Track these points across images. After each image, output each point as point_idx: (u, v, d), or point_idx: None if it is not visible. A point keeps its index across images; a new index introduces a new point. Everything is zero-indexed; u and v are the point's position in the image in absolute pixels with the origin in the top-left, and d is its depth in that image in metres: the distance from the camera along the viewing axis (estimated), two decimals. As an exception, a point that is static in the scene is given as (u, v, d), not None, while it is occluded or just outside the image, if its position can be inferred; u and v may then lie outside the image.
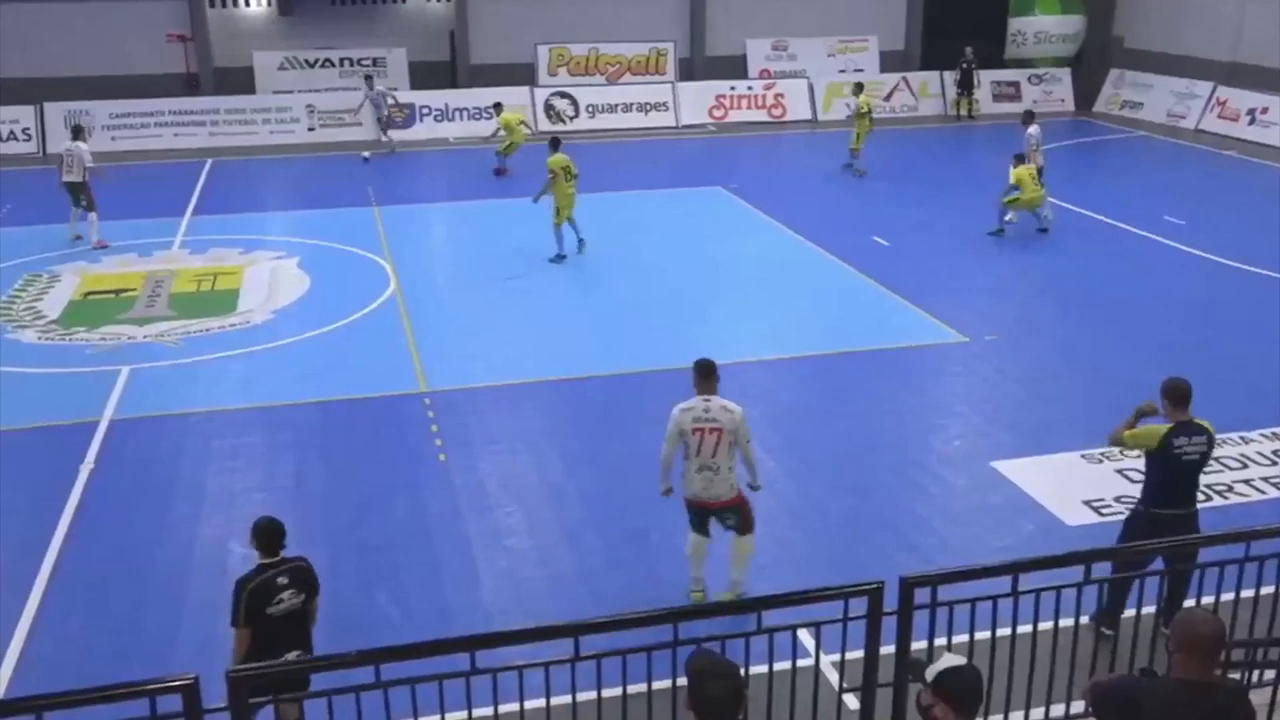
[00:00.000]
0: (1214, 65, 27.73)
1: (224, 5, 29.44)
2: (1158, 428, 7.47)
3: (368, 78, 26.64)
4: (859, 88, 24.11)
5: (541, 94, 28.25)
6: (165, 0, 27.97)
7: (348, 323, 14.56)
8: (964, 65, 29.46)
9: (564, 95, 28.36)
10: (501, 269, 16.80)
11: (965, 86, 29.63)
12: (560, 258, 17.00)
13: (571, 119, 28.20)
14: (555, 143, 17.53)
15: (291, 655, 6.15)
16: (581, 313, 15.13)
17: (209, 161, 24.56)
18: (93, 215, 17.84)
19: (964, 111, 29.54)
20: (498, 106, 23.72)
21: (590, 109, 28.38)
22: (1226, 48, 27.54)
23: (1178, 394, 7.46)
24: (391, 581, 8.75)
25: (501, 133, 23.05)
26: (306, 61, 28.59)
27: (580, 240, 17.27)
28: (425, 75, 29.12)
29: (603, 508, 9.96)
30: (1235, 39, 27.36)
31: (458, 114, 27.59)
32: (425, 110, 27.48)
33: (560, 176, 16.76)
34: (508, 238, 18.43)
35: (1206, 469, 7.70)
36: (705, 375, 8.27)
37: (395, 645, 4.87)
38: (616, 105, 28.59)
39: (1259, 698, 4.71)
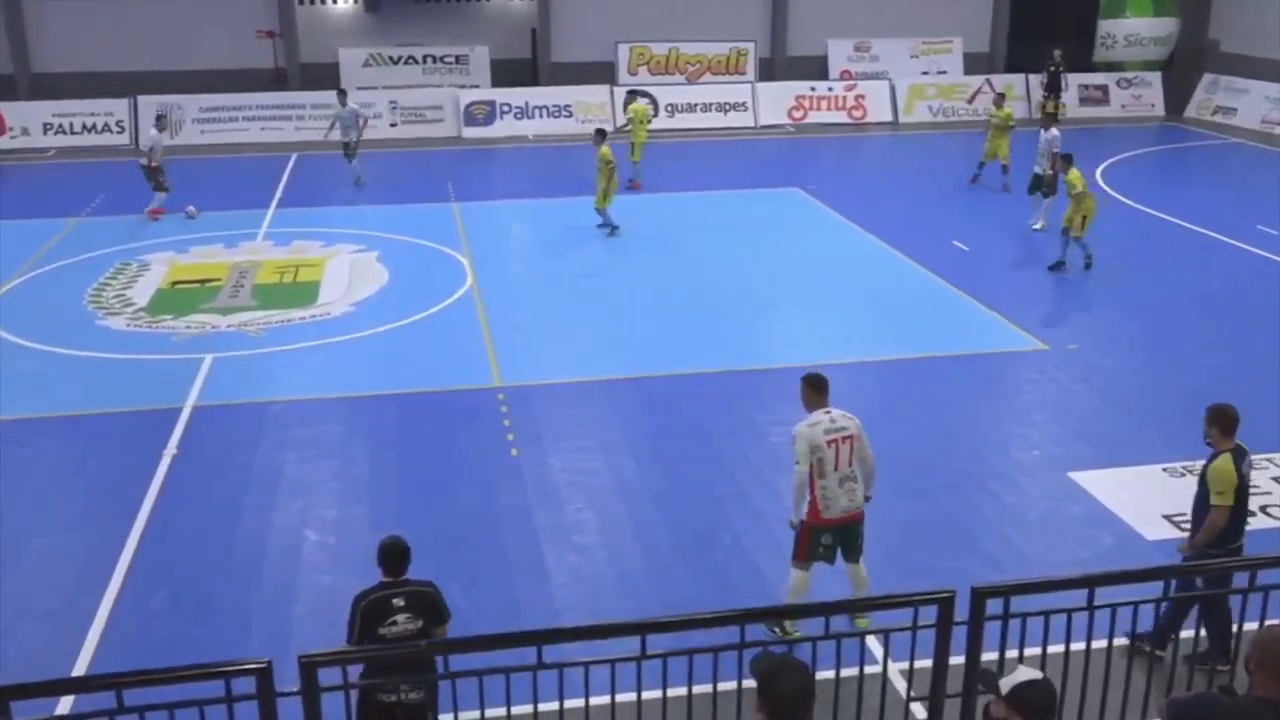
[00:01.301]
0: (1313, 70, 26.89)
1: (312, 2, 30.02)
2: (1226, 465, 7.14)
3: (340, 92, 23.50)
4: (1001, 98, 23.24)
5: (621, 93, 28.31)
6: (256, -3, 28.62)
7: (425, 316, 14.75)
8: (1051, 68, 28.90)
9: (644, 94, 28.39)
10: (577, 266, 16.90)
11: (1052, 89, 29.05)
12: (614, 229, 18.26)
13: (651, 118, 28.20)
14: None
15: (405, 685, 5.70)
16: (654, 312, 15.14)
17: (294, 156, 25.05)
18: (159, 195, 19.59)
19: (1050, 114, 28.95)
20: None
21: (670, 108, 28.40)
22: (1327, 52, 26.68)
23: (1226, 420, 7.23)
24: (462, 574, 8.83)
25: (629, 125, 22.59)
26: (390, 58, 29.02)
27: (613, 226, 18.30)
28: (506, 73, 29.39)
29: (672, 507, 9.96)
30: (1336, 43, 26.48)
31: (537, 111, 27.79)
32: (505, 108, 27.72)
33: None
34: (583, 236, 18.53)
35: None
36: (820, 389, 8.10)
37: (463, 637, 4.93)
38: (696, 105, 28.57)
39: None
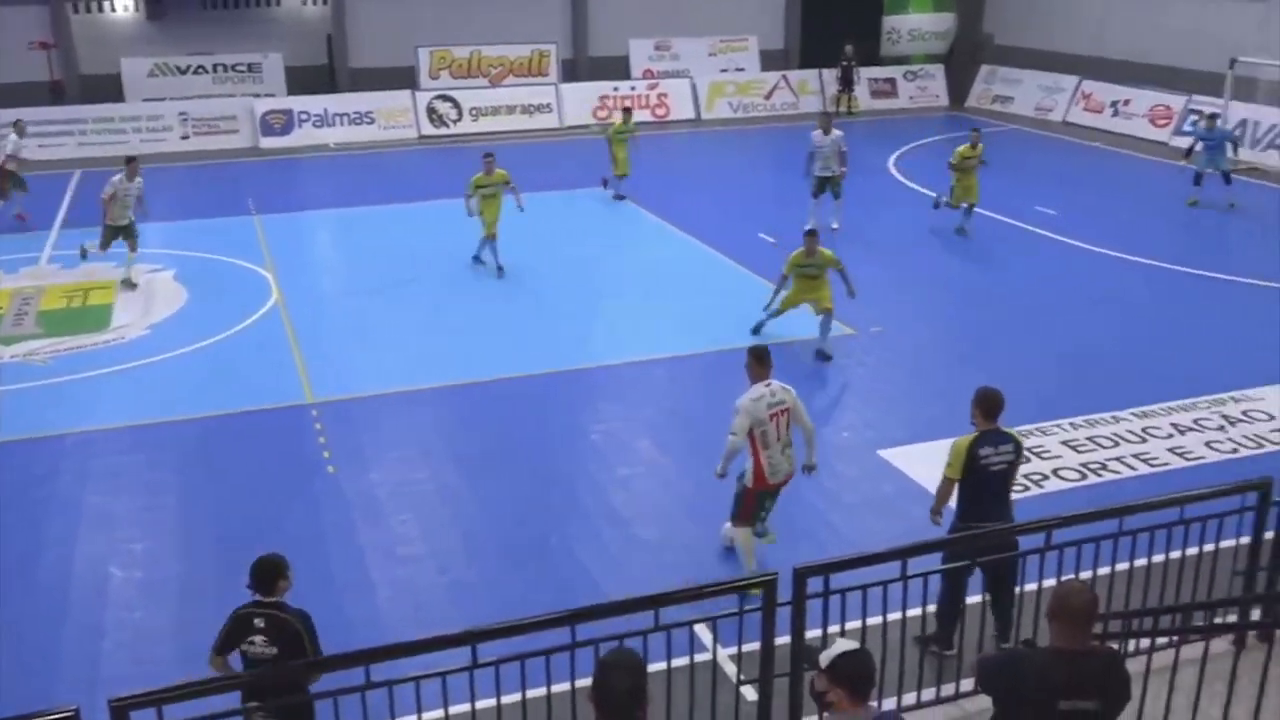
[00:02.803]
0: (1079, 60, 28.78)
1: (88, 10, 28.45)
2: (963, 441, 7.45)
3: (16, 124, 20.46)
4: (976, 135, 18.90)
5: (424, 98, 27.96)
6: (27, 5, 26.93)
7: (229, 335, 14.20)
8: (845, 63, 30.03)
9: (446, 98, 28.11)
10: (390, 275, 16.58)
11: (846, 84, 30.21)
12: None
13: (455, 122, 27.97)
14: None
15: (262, 709, 5.29)
16: (473, 317, 15.01)
17: (77, 173, 23.70)
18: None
19: (844, 108, 30.09)
20: (627, 111, 22.09)
21: (474, 112, 28.18)
22: (1090, 42, 28.60)
23: (989, 404, 7.41)
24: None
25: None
26: (178, 68, 27.77)
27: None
28: (303, 80, 28.55)
29: (499, 513, 9.90)
30: (1098, 34, 28.42)
31: (338, 119, 27.14)
32: (304, 116, 26.95)
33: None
34: (396, 243, 18.21)
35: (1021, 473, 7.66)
36: (763, 362, 8.58)
37: (283, 666, 4.76)
38: (500, 108, 28.44)
39: (1134, 666, 4.90)
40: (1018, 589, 6.92)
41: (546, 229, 19.25)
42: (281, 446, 11.17)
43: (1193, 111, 25.29)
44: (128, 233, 16.36)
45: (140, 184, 16.35)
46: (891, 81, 31.54)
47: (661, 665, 6.07)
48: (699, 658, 5.90)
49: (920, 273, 16.71)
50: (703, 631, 6.39)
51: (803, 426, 8.59)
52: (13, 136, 19.63)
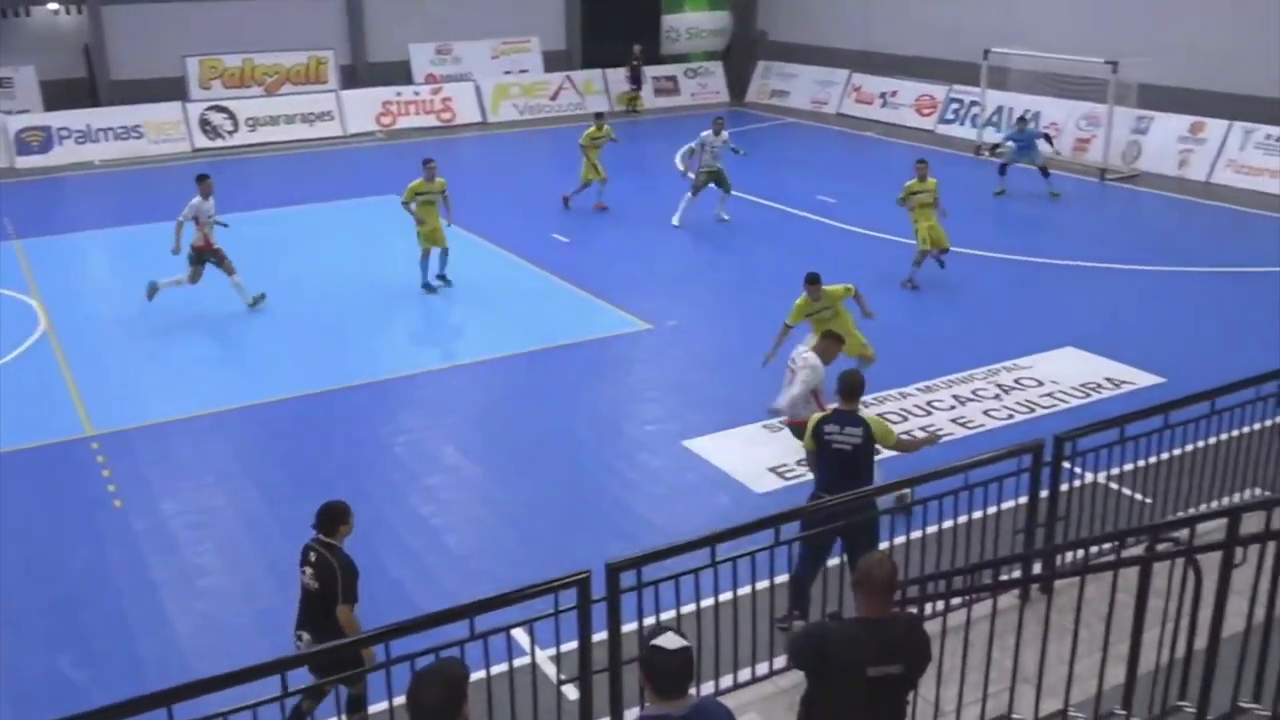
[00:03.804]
0: (848, 54, 30.06)
1: None
2: (815, 416, 7.83)
3: None
4: (924, 167, 16.15)
5: (196, 109, 26.75)
6: None
7: (-6, 369, 13.25)
8: (634, 63, 30.43)
9: (220, 109, 27.00)
10: (173, 295, 15.79)
11: (635, 82, 30.64)
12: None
13: (231, 134, 26.90)
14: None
15: (305, 635, 6.60)
16: (265, 334, 14.48)
17: None
18: None
19: (633, 107, 30.48)
20: (599, 116, 21.08)
21: (250, 122, 27.16)
22: (858, 37, 29.91)
23: (842, 385, 7.74)
24: (73, 643, 8.06)
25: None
26: (-84, 85, 25.74)
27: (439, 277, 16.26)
28: (61, 94, 26.84)
29: (303, 533, 9.52)
30: (864, 29, 29.75)
31: (102, 135, 25.66)
32: (64, 133, 25.37)
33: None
34: (176, 262, 17.34)
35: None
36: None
37: (79, 713, 4.48)
38: (278, 117, 27.51)
39: (932, 627, 5.16)
40: (824, 564, 7.17)
41: (336, 240, 18.78)
42: (59, 483, 10.49)
43: (954, 100, 26.82)
44: (219, 257, 15.00)
45: (213, 203, 14.98)
46: (673, 79, 32.15)
47: (481, 674, 6.04)
48: (518, 662, 5.88)
49: (712, 265, 17.13)
50: (520, 635, 6.37)
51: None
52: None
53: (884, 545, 6.60)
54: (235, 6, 28.03)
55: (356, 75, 29.51)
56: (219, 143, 26.59)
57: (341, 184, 23.04)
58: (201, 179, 15.02)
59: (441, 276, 16.08)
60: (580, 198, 20.19)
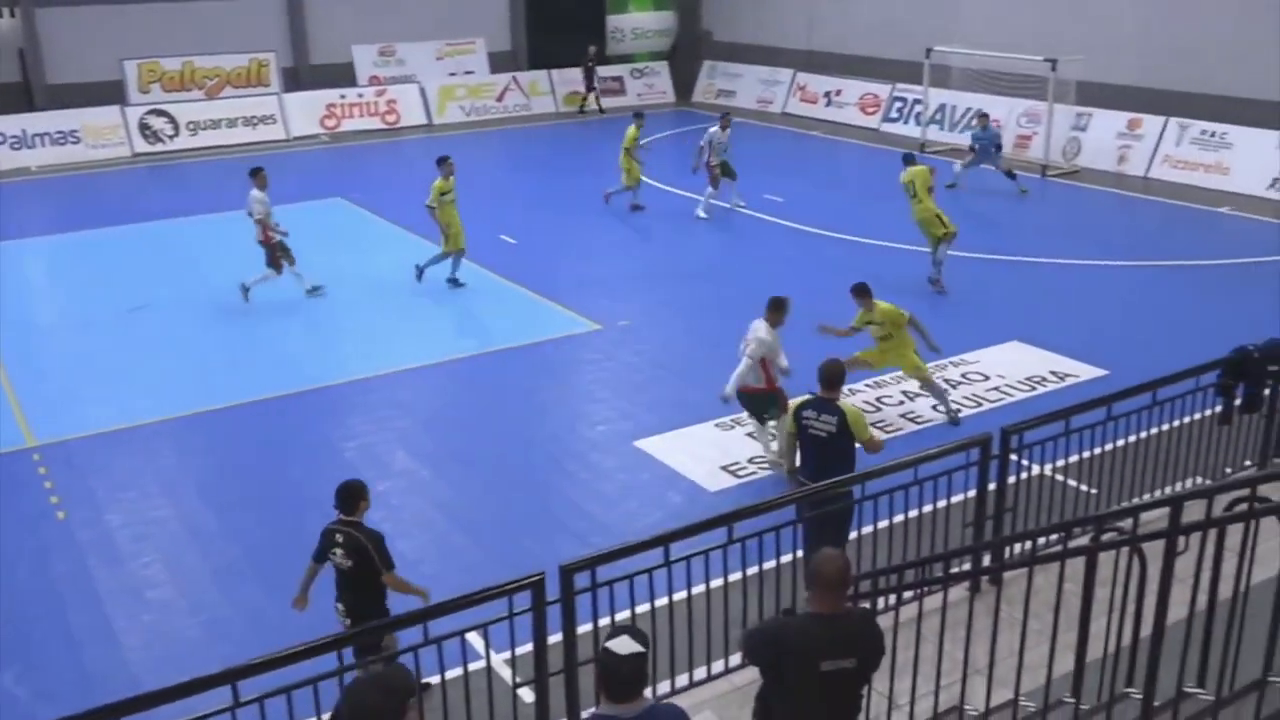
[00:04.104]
0: (793, 53, 30.24)
1: None
2: (795, 402, 8.18)
3: None
4: (908, 159, 16.14)
5: (135, 113, 26.31)
6: None
7: (-70, 381, 12.96)
8: (589, 64, 30.41)
9: (160, 113, 26.58)
10: (115, 303, 15.55)
11: (589, 84, 30.61)
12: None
13: (171, 138, 26.49)
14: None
15: (340, 607, 7.03)
16: (214, 340, 14.28)
17: None
18: None
19: (590, 107, 30.46)
20: (639, 115, 20.63)
21: (191, 126, 26.77)
22: (802, 37, 30.10)
23: (822, 374, 8.04)
24: (17, 659, 7.90)
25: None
26: None
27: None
28: (-6, 99, 26.33)
29: (254, 543, 9.47)
30: (808, 29, 29.95)
31: (39, 140, 25.17)
32: (-1, 138, 24.88)
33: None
34: (118, 268, 17.10)
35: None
36: (779, 310, 10.41)
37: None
38: (220, 120, 27.14)
39: (885, 621, 5.20)
40: (777, 561, 7.19)
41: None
42: (0, 496, 10.28)
43: (898, 99, 27.07)
44: (283, 246, 15.40)
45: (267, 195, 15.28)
46: (620, 79, 32.16)
47: (435, 678, 6.01)
48: (473, 666, 5.85)
49: (661, 265, 17.14)
50: (475, 639, 6.34)
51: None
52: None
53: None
54: (174, 9, 27.64)
55: (299, 78, 29.20)
56: (159, 147, 26.19)
57: (285, 188, 22.70)
58: (255, 172, 15.36)
59: (453, 278, 16.17)
60: (622, 198, 20.23)
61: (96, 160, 25.20)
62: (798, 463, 8.16)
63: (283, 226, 15.39)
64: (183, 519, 9.88)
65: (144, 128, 26.27)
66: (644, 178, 20.01)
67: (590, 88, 30.59)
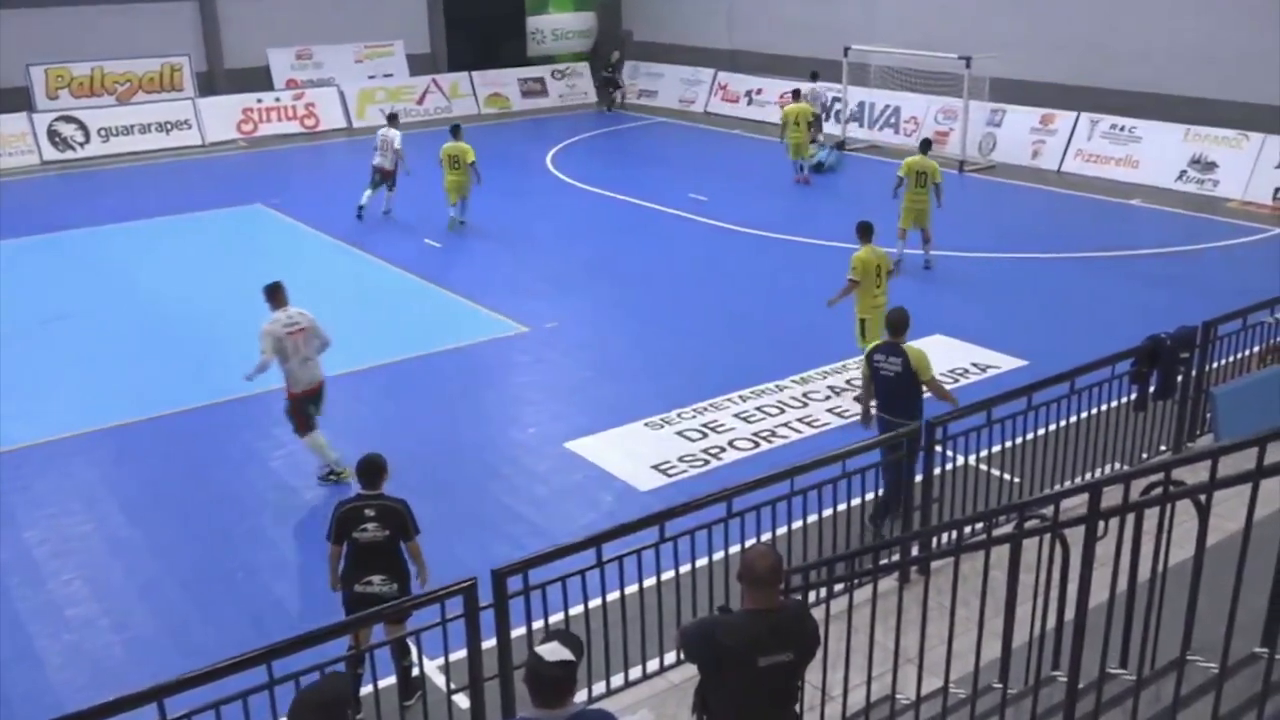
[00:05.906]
0: (714, 53, 30.42)
1: None
2: (870, 345, 9.29)
3: None
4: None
5: (44, 120, 25.62)
6: None
7: None
8: (609, 68, 30.97)
9: (70, 120, 25.92)
10: (27, 315, 15.12)
11: (614, 84, 31.06)
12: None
13: (82, 145, 25.85)
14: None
15: (375, 579, 6.85)
16: (130, 351, 13.95)
17: None
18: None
19: (616, 104, 30.93)
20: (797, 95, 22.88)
21: (103, 132, 26.14)
22: (722, 36, 30.29)
23: (888, 322, 8.90)
24: (-68, 686, 7.66)
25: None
26: None
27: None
28: (-106, 107, 25.44)
29: (178, 556, 9.29)
30: (728, 28, 30.15)
31: (-58, 148, 24.41)
32: (-99, 147, 24.06)
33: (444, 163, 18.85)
34: (30, 279, 16.63)
35: (902, 387, 8.65)
36: (275, 296, 10.29)
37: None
38: (133, 126, 26.53)
39: (818, 613, 5.26)
40: (713, 557, 7.22)
41: (200, 251, 18.22)
42: (-89, 518, 9.96)
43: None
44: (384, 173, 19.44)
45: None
46: (541, 80, 32.07)
47: (369, 689, 5.95)
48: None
49: (586, 266, 17.13)
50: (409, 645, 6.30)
51: (323, 342, 10.30)
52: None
53: (768, 536, 6.71)
54: (82, 12, 26.95)
55: (214, 82, 28.67)
56: (70, 154, 25.54)
57: (202, 194, 22.34)
58: (392, 117, 20.06)
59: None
60: (792, 168, 21.74)
61: (3, 169, 24.50)
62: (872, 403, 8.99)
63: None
64: (103, 535, 9.64)
65: (53, 134, 25.60)
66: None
67: (616, 85, 30.95)
